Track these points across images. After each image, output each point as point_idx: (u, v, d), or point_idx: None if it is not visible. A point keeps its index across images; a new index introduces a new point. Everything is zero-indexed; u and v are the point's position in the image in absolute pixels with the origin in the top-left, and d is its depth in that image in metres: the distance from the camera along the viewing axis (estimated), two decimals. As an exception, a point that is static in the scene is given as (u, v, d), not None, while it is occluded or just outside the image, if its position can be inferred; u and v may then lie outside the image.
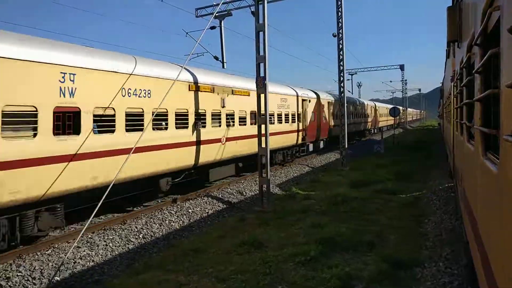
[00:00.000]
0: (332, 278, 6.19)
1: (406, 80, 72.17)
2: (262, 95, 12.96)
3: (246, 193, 14.81)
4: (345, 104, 22.15)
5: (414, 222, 9.65)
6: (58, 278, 7.34)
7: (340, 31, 21.19)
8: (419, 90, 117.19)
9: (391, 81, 74.84)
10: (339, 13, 21.07)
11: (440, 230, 8.71)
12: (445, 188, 13.02)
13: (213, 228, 10.56)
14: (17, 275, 7.12)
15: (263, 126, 13.09)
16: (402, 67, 62.46)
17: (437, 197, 12.12)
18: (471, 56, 3.76)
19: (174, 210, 11.69)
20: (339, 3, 20.97)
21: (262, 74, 12.88)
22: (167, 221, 10.83)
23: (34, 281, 7.11)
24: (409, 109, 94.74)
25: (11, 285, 6.87)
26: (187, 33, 20.58)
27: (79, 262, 7.99)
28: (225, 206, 13.02)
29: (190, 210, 11.88)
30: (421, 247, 7.80)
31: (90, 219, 7.97)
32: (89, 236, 9.18)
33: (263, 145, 13.09)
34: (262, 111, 13.11)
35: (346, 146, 21.85)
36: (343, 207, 11.18)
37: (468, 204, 4.27)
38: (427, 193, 13.06)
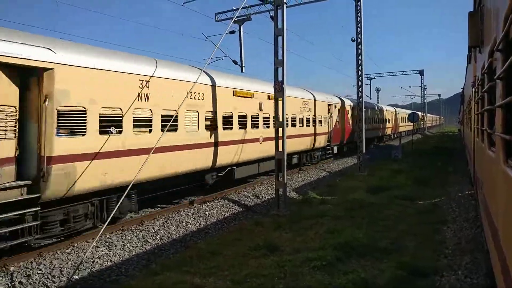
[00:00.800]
0: (348, 284, 6.15)
1: (425, 85, 71.15)
2: (280, 99, 12.98)
3: (262, 196, 14.83)
4: (363, 109, 21.99)
5: (432, 229, 9.49)
6: (77, 277, 7.48)
7: (359, 36, 21.07)
8: (439, 95, 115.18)
9: (410, 87, 74.02)
10: (358, 18, 20.96)
11: (459, 238, 8.55)
12: (465, 195, 12.77)
13: (229, 231, 10.61)
14: (37, 273, 7.29)
15: (280, 130, 13.10)
16: (421, 72, 61.57)
17: (456, 204, 11.89)
18: (493, 62, 3.71)
19: (191, 212, 11.79)
20: (358, 8, 20.86)
21: (280, 78, 12.91)
22: (184, 223, 10.93)
23: (53, 279, 7.27)
24: (428, 115, 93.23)
25: (31, 282, 7.03)
26: (206, 37, 20.79)
27: (97, 262, 8.13)
28: (241, 209, 13.06)
29: (207, 213, 11.96)
30: (439, 255, 7.66)
31: (112, 215, 8.12)
32: (108, 236, 9.34)
33: (280, 149, 13.09)
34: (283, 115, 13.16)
35: (364, 151, 21.66)
36: (360, 213, 11.08)
37: (488, 212, 4.19)
38: (446, 200, 12.82)
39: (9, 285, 6.83)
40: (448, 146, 35.58)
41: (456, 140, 45.05)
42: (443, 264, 7.10)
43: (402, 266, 6.80)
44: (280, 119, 13.05)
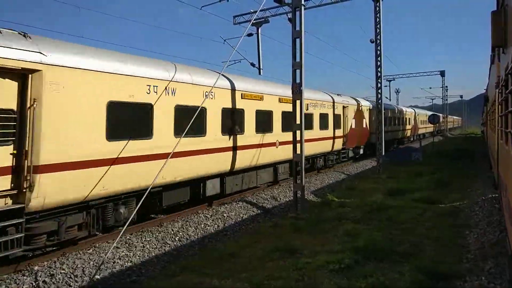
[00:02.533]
0: (367, 288, 6.09)
1: (446, 86, 69.72)
2: (298, 101, 12.96)
3: (280, 199, 14.81)
4: (382, 111, 21.74)
5: (454, 233, 9.30)
6: (99, 277, 7.63)
7: (378, 37, 20.86)
8: (461, 96, 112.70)
9: (430, 88, 72.58)
10: (377, 19, 20.76)
11: (482, 242, 8.35)
12: (489, 198, 12.46)
13: (247, 233, 10.63)
14: (61, 273, 7.47)
15: (298, 132, 13.07)
16: (442, 73, 60.42)
17: (479, 207, 11.62)
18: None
19: (210, 214, 11.87)
20: (378, 8, 20.67)
21: (298, 81, 12.90)
22: (202, 225, 11.02)
23: (76, 278, 7.43)
24: (449, 117, 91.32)
25: (55, 282, 7.21)
26: (224, 40, 20.94)
27: (117, 262, 8.27)
28: (259, 211, 13.08)
29: (225, 215, 12.03)
30: (461, 260, 7.50)
31: (135, 211, 8.26)
32: (128, 237, 9.49)
33: (298, 151, 13.06)
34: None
35: (383, 153, 21.40)
36: (379, 216, 10.95)
37: (512, 216, 4.10)
38: (469, 203, 12.55)
39: (34, 284, 7.02)
40: (470, 148, 34.79)
41: (478, 142, 43.99)
42: (465, 269, 6.95)
43: (423, 270, 6.69)
44: (298, 121, 13.03)
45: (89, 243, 8.92)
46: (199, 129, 11.38)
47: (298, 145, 13.08)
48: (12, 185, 7.16)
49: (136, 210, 8.43)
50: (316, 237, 9.27)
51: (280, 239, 9.19)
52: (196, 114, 9.48)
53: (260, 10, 17.94)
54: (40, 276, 7.23)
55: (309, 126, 18.43)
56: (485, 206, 11.59)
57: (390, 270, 6.89)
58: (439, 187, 15.45)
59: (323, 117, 20.20)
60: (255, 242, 9.26)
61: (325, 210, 12.36)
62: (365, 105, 27.55)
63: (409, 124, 43.67)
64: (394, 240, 8.59)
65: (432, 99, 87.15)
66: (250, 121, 13.97)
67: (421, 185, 15.86)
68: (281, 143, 15.84)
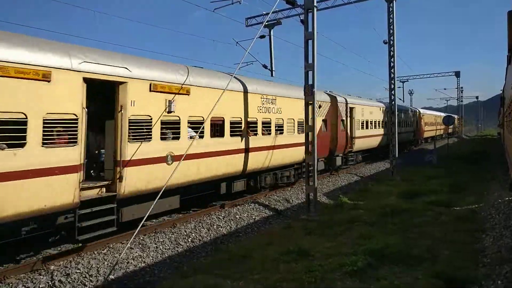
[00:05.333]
0: (380, 291, 6.03)
1: (461, 87, 68.63)
2: (310, 103, 12.92)
3: (292, 200, 14.79)
4: (396, 113, 21.53)
5: (470, 237, 9.15)
6: (113, 277, 7.72)
7: (392, 37, 20.69)
8: (476, 97, 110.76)
9: (445, 89, 71.58)
10: (391, 20, 20.60)
11: (499, 246, 8.19)
12: (505, 201, 12.23)
13: (259, 235, 10.64)
14: (76, 272, 7.58)
15: (310, 134, 13.03)
16: (457, 74, 59.60)
17: (496, 211, 11.40)
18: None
19: (222, 215, 11.91)
20: (391, 9, 20.51)
21: (310, 82, 12.86)
22: (215, 226, 11.06)
23: (91, 278, 7.54)
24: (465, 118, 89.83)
25: (70, 281, 7.32)
26: (237, 42, 21.01)
27: (131, 263, 8.36)
28: (271, 213, 13.07)
29: (237, 216, 12.06)
30: (477, 264, 7.37)
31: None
32: (141, 238, 9.58)
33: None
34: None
35: (397, 156, 21.19)
36: (393, 219, 10.83)
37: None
38: (485, 206, 12.33)
39: (50, 283, 7.14)
40: (486, 150, 34.20)
41: (495, 144, 43.24)
42: (482, 274, 6.83)
43: (438, 275, 6.59)
44: (310, 123, 12.99)
45: (104, 243, 9.03)
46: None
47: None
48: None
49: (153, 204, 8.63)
50: (329, 240, 9.21)
51: (293, 241, 9.16)
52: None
53: (272, 12, 17.96)
54: (56, 276, 7.35)
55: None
56: (502, 209, 11.37)
57: (405, 274, 6.80)
58: (454, 190, 15.20)
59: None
60: (268, 244, 9.25)
61: (338, 213, 12.29)
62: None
63: (408, 125, 36.39)
64: (409, 243, 8.48)
65: (447, 100, 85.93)
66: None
67: (436, 187, 15.64)
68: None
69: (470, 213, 11.54)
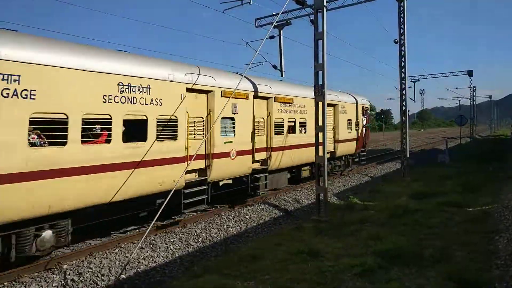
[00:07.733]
0: (391, 292, 5.99)
1: (474, 86, 67.60)
2: (320, 103, 12.86)
3: (302, 201, 14.75)
4: (407, 112, 21.34)
5: (483, 238, 9.02)
6: (124, 276, 7.80)
7: (402, 37, 20.52)
8: (490, 97, 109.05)
9: (457, 88, 70.52)
10: (401, 19, 20.42)
11: (513, 248, 8.07)
12: (519, 202, 12.03)
13: (269, 235, 10.64)
14: (88, 271, 7.68)
15: (320, 134, 12.96)
16: (470, 73, 58.72)
17: (509, 212, 11.21)
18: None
19: (232, 215, 11.94)
20: (402, 8, 20.34)
21: (320, 82, 12.81)
22: (225, 226, 11.09)
23: (103, 277, 7.62)
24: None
25: (83, 280, 7.41)
26: (247, 43, 21.01)
27: (142, 262, 8.43)
28: (281, 213, 13.06)
29: (247, 216, 12.07)
30: (491, 266, 7.27)
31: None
32: (152, 238, 9.66)
33: (321, 154, 12.96)
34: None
35: (408, 155, 21.00)
36: (404, 219, 10.75)
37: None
38: (498, 207, 12.15)
39: (63, 282, 7.24)
40: (499, 150, 33.69)
41: (508, 144, 42.57)
42: (495, 276, 6.74)
43: (450, 276, 6.52)
44: (320, 123, 12.93)
45: (115, 243, 9.12)
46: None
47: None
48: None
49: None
50: (339, 240, 9.18)
51: (303, 242, 9.15)
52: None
53: (282, 13, 17.91)
54: (68, 275, 7.45)
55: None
56: (516, 211, 11.19)
57: (416, 276, 6.75)
58: (467, 191, 15.01)
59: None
60: (278, 245, 9.25)
61: (348, 213, 12.23)
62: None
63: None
64: (420, 244, 8.41)
65: (459, 100, 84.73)
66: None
67: (448, 188, 15.49)
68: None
69: (483, 214, 11.38)
